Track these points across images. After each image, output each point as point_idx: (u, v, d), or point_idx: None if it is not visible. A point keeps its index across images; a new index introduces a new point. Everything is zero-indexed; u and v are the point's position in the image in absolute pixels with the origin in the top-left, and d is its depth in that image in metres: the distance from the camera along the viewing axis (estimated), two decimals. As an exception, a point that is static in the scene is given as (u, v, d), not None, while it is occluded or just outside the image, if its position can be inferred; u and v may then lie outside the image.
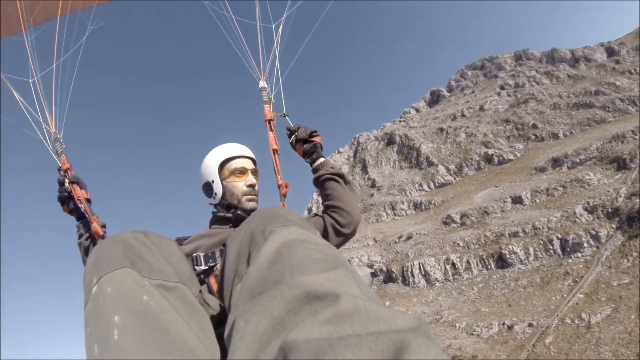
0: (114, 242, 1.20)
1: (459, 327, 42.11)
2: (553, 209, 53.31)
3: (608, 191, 51.04)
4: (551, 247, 47.61)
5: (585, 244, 45.89)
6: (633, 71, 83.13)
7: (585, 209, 50.10)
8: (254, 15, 2.96)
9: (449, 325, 42.95)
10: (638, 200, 46.62)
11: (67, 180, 2.45)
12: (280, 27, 2.90)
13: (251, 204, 2.19)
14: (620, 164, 56.46)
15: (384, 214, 73.85)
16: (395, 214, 73.14)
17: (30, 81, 2.91)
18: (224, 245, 1.94)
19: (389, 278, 55.10)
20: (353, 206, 2.16)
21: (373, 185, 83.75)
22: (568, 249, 46.51)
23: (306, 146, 2.30)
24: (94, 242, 2.35)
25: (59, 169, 2.55)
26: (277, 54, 2.74)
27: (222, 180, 2.20)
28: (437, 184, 76.17)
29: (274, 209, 1.28)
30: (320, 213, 2.23)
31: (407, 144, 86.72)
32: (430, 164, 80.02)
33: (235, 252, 1.20)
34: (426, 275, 52.54)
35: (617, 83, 79.16)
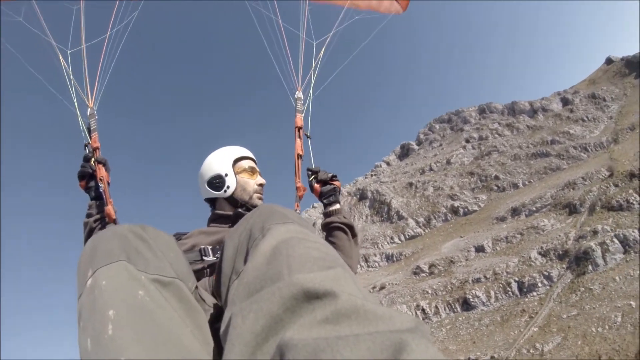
0: (111, 235, 1.23)
1: (429, 366, 48.19)
2: (511, 255, 61.55)
3: (559, 235, 59.85)
4: (510, 289, 55.14)
5: (540, 284, 53.68)
6: (585, 118, 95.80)
7: (540, 253, 58.52)
8: (296, 28, 3.12)
9: (419, 366, 48.98)
10: (584, 242, 55.48)
11: (94, 159, 2.53)
12: (326, 43, 3.07)
13: (260, 202, 2.39)
14: (571, 209, 65.89)
15: (358, 266, 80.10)
16: (369, 266, 79.77)
17: (70, 51, 2.95)
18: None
19: (364, 328, 61.12)
20: (352, 260, 2.36)
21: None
22: (524, 290, 54.12)
23: (325, 188, 2.54)
24: (103, 225, 2.43)
25: (86, 145, 2.61)
26: (314, 74, 2.95)
27: (235, 174, 2.39)
28: (407, 236, 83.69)
29: (273, 207, 1.34)
30: None
31: (379, 199, 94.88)
32: (401, 217, 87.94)
33: (233, 249, 1.27)
34: (398, 323, 58.96)
35: (571, 131, 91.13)
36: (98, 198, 2.49)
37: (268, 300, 0.87)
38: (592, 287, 48.60)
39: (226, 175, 2.38)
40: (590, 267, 51.58)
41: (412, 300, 61.21)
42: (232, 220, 2.29)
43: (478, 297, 56.28)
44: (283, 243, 1.08)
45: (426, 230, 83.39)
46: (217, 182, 2.39)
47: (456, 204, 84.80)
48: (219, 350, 1.17)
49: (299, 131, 2.74)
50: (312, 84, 2.89)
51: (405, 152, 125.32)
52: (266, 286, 0.95)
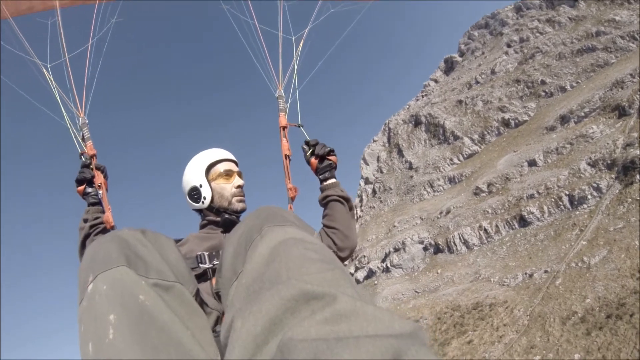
0: (111, 240, 1.19)
1: (493, 281, 54.52)
2: (562, 167, 62.61)
3: (607, 143, 59.36)
4: (561, 203, 57.57)
5: (589, 196, 55.31)
6: (632, 0, 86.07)
7: (589, 164, 59.11)
8: (274, 25, 2.90)
9: (486, 281, 55.51)
10: (632, 150, 55.03)
11: (92, 166, 2.44)
12: (302, 41, 2.87)
13: (241, 205, 2.22)
14: (620, 111, 63.73)
15: (425, 192, 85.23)
16: (434, 191, 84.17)
17: (50, 65, 2.82)
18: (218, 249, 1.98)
19: (437, 249, 67.86)
20: (352, 231, 2.21)
21: (410, 167, 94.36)
22: (575, 203, 56.23)
23: (321, 163, 2.32)
24: (99, 231, 2.36)
25: (82, 154, 2.52)
26: (295, 67, 2.76)
27: (209, 183, 2.20)
28: (465, 156, 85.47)
29: (271, 209, 1.30)
30: (318, 230, 2.23)
31: (433, 122, 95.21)
32: (456, 137, 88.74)
33: (232, 251, 1.21)
34: (466, 243, 64.74)
35: (617, 18, 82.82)
36: (95, 204, 2.42)
37: (267, 302, 0.84)
38: (639, 198, 49.48)
39: (201, 186, 2.19)
40: (637, 177, 51.67)
41: (475, 221, 66.16)
42: (222, 225, 2.16)
43: (532, 213, 59.58)
44: (281, 244, 1.06)
45: (482, 147, 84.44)
46: (194, 194, 2.22)
47: (507, 116, 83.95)
48: (221, 352, 1.15)
49: (283, 130, 2.53)
50: (294, 78, 2.69)
51: (450, 66, 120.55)
52: (265, 288, 0.92)
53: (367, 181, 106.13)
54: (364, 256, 78.12)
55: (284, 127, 2.55)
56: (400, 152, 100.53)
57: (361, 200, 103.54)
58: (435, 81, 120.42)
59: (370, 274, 74.26)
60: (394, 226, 79.95)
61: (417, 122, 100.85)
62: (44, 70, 2.78)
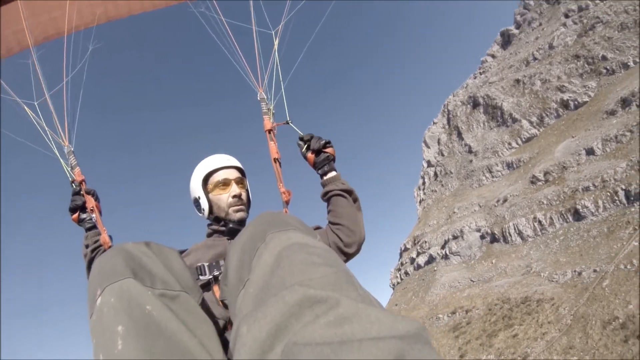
0: (116, 253, 1.18)
1: (543, 276, 56.18)
2: (620, 158, 60.09)
3: (669, 132, 55.48)
4: (617, 198, 56.24)
5: (646, 192, 53.10)
6: None
7: (647, 156, 56.00)
8: (249, 24, 2.76)
9: (536, 275, 57.30)
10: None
11: (82, 191, 2.42)
12: (278, 35, 2.72)
13: (238, 215, 2.09)
14: (686, 93, 58.42)
15: (484, 177, 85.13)
16: (493, 176, 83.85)
17: (36, 103, 2.79)
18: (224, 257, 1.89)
19: (494, 239, 69.79)
20: (357, 225, 2.04)
21: (470, 151, 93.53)
22: (632, 198, 54.75)
23: (318, 158, 2.15)
24: (101, 253, 2.23)
25: (72, 181, 2.48)
26: (277, 62, 2.58)
27: (207, 194, 2.11)
28: (523, 139, 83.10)
29: (273, 214, 1.27)
30: (324, 227, 2.12)
31: (490, 103, 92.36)
32: (514, 120, 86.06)
33: (237, 259, 1.18)
34: (520, 234, 65.98)
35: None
36: (91, 228, 2.39)
37: (272, 308, 0.83)
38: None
39: (199, 198, 2.10)
40: (698, 174, 48.59)
41: (530, 212, 66.61)
42: (226, 234, 2.05)
43: (587, 207, 58.92)
44: (285, 250, 1.03)
45: (540, 130, 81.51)
46: (196, 205, 2.15)
47: (565, 96, 79.37)
48: None
49: (270, 134, 2.35)
50: (274, 73, 2.49)
51: (506, 40, 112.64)
52: (270, 294, 0.90)
53: (429, 164, 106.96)
54: (425, 242, 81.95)
55: (269, 131, 2.36)
56: (459, 135, 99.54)
57: (424, 183, 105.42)
58: (493, 56, 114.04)
59: (431, 259, 78.25)
60: (454, 212, 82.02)
61: (475, 104, 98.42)
62: (27, 108, 2.79)
